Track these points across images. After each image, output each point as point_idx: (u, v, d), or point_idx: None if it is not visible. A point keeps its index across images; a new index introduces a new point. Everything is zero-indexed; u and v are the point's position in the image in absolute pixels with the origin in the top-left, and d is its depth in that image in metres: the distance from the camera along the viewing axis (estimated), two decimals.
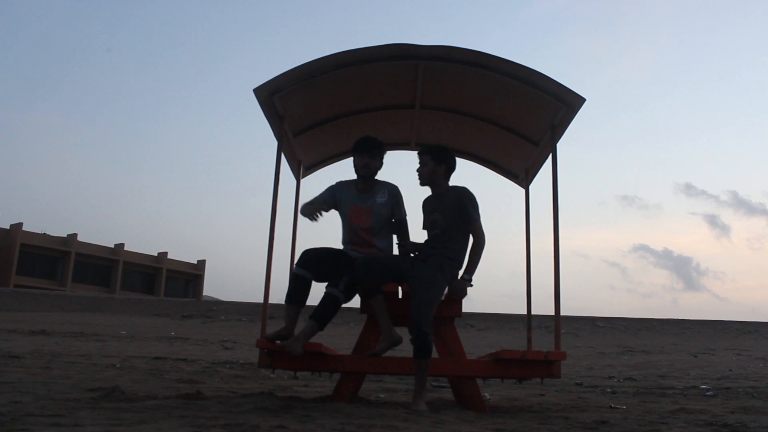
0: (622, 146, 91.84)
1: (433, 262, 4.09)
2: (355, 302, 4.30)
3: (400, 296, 4.46)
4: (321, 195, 4.54)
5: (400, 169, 4.61)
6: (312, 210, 4.30)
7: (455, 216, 4.20)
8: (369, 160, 4.43)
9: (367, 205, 4.45)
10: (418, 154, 4.37)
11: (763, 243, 79.38)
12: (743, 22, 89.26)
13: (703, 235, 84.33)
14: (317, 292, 4.32)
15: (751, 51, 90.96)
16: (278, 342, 4.09)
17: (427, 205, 4.37)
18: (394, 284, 4.35)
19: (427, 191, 4.42)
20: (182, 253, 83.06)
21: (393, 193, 4.50)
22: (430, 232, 4.24)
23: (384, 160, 4.55)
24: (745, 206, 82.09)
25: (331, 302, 4.08)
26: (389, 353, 4.09)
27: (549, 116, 4.80)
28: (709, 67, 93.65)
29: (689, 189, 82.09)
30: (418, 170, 4.34)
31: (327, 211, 4.42)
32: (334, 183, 4.59)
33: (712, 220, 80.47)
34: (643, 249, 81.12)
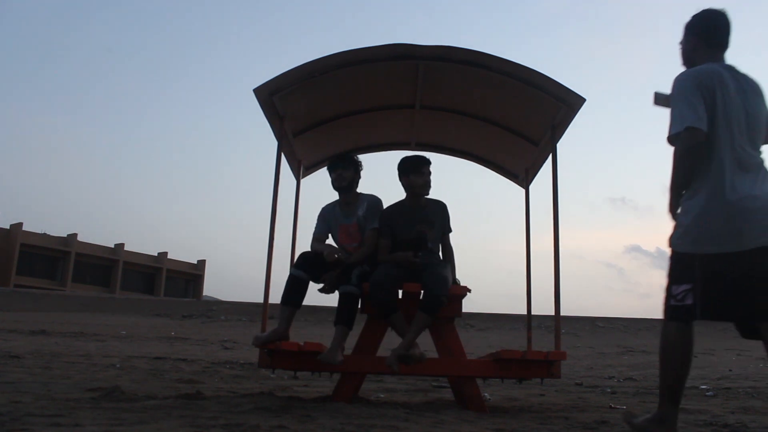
0: (613, 148, 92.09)
1: (440, 263, 4.30)
2: None
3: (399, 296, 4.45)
4: (319, 228, 4.54)
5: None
6: (332, 252, 4.26)
7: (441, 229, 4.46)
8: (342, 170, 4.45)
9: (352, 222, 4.46)
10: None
11: None
12: (738, 25, 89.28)
13: None
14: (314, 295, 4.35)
15: (743, 52, 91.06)
16: (320, 359, 4.02)
17: (403, 215, 4.39)
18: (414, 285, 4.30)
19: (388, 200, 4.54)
20: (182, 253, 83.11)
21: (370, 203, 4.46)
22: (418, 243, 4.28)
23: (360, 173, 4.55)
24: None
25: (352, 300, 4.10)
26: (387, 354, 4.09)
27: (549, 116, 4.80)
28: None
29: None
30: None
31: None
32: (319, 212, 4.60)
33: None
34: (635, 250, 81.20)
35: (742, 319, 2.84)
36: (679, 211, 2.90)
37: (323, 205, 4.62)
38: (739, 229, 2.71)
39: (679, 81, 2.87)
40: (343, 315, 4.08)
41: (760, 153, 2.89)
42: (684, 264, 2.81)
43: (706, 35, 2.97)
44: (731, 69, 2.94)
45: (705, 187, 2.79)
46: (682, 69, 3.02)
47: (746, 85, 2.92)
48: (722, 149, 2.78)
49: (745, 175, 2.79)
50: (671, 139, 2.82)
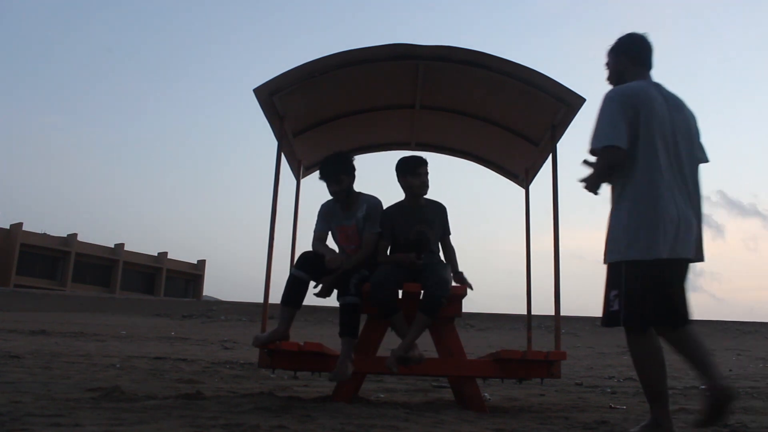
0: None
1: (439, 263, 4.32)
2: None
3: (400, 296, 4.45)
4: (319, 226, 4.47)
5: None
6: (334, 259, 4.20)
7: (440, 230, 4.44)
8: (336, 186, 4.31)
9: (351, 224, 4.39)
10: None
11: (759, 243, 79.49)
12: (729, 28, 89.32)
13: None
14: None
15: (734, 55, 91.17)
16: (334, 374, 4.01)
17: (403, 215, 4.38)
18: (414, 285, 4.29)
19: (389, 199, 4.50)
20: (182, 253, 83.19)
21: (371, 205, 4.38)
22: (417, 243, 4.29)
23: (355, 169, 4.39)
24: (737, 207, 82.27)
25: (353, 311, 4.08)
26: (387, 355, 4.09)
27: (549, 116, 4.80)
28: (695, 69, 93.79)
29: None
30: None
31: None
32: (319, 209, 4.51)
33: (706, 221, 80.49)
34: None
35: (656, 324, 2.95)
36: (607, 224, 3.07)
37: (323, 202, 4.55)
38: (659, 239, 2.88)
39: (606, 98, 3.04)
40: (346, 326, 4.05)
41: (683, 167, 3.03)
42: (614, 272, 2.99)
43: (634, 56, 3.20)
44: (658, 86, 3.14)
45: (629, 199, 2.97)
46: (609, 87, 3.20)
47: (671, 102, 3.10)
48: (647, 164, 2.95)
49: (669, 189, 2.94)
50: (591, 152, 3.04)
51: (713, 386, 2.80)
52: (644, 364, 2.96)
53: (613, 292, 2.95)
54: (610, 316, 2.97)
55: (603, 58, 3.32)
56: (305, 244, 4.57)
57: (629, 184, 2.98)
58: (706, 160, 3.17)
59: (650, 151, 2.95)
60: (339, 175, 4.31)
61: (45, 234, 49.32)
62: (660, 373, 2.96)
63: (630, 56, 3.20)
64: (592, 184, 3.07)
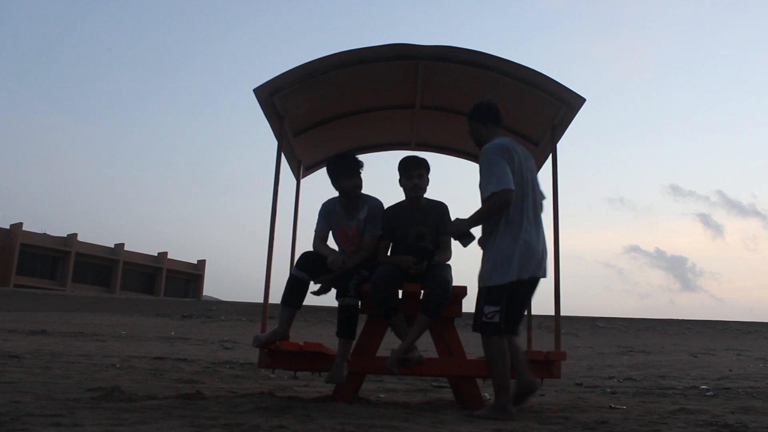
0: (612, 148, 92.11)
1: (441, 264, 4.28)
2: None
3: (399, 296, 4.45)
4: (321, 225, 4.46)
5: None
6: (336, 261, 4.20)
7: (438, 229, 4.41)
8: (351, 182, 4.30)
9: (352, 225, 4.39)
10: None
11: (758, 243, 79.51)
12: (729, 28, 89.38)
13: (697, 236, 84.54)
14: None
15: (734, 54, 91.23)
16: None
17: (404, 216, 4.38)
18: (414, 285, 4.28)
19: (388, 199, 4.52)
20: (182, 253, 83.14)
21: (372, 207, 4.37)
22: (417, 243, 4.28)
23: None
24: (736, 207, 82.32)
25: (352, 312, 4.07)
26: (387, 355, 4.09)
27: (549, 116, 4.80)
28: (695, 68, 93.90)
29: (676, 191, 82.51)
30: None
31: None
32: (320, 208, 4.50)
33: (706, 221, 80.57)
34: (634, 250, 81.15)
35: (509, 331, 3.76)
36: (485, 252, 3.77)
37: (323, 201, 4.54)
38: (528, 262, 3.67)
39: (490, 152, 3.72)
40: (343, 327, 4.06)
41: (536, 205, 3.84)
42: (495, 293, 3.66)
43: (484, 119, 3.97)
44: (513, 140, 3.92)
45: (507, 233, 3.68)
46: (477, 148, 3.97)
47: (523, 152, 3.85)
48: (519, 204, 3.70)
49: (531, 224, 3.73)
50: (489, 197, 3.65)
51: (522, 379, 3.75)
52: (499, 361, 3.62)
53: (494, 308, 3.63)
54: (491, 326, 3.63)
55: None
56: (305, 244, 4.58)
57: (505, 221, 3.68)
58: (545, 197, 3.99)
59: (520, 194, 3.70)
60: (359, 169, 4.34)
61: (45, 234, 49.30)
62: (508, 368, 3.65)
63: (481, 121, 3.96)
64: (466, 229, 3.76)
